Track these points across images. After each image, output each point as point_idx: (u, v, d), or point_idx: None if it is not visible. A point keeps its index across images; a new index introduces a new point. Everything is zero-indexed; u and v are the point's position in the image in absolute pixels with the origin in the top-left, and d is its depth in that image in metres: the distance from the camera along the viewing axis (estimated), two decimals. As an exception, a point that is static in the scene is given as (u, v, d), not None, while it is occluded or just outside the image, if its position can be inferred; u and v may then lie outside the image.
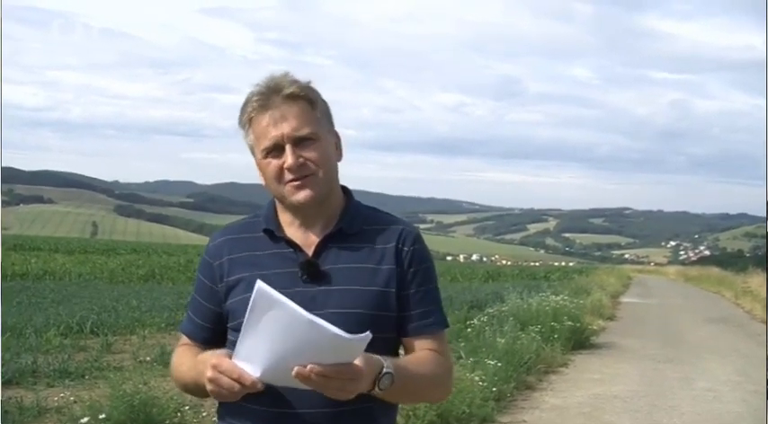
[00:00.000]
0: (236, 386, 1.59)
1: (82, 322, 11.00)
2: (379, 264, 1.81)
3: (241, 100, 1.85)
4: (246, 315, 1.55)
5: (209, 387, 1.63)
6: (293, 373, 1.53)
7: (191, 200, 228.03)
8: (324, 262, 1.79)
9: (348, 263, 1.81)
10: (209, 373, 1.61)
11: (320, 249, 1.82)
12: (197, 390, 1.82)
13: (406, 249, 1.84)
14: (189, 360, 1.83)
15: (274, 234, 1.84)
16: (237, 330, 1.75)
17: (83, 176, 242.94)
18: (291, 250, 1.82)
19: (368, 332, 1.54)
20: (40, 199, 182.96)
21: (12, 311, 11.99)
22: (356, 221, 1.86)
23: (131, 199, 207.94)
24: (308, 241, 1.83)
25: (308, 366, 1.52)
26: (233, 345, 1.76)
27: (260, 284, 1.52)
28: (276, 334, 1.54)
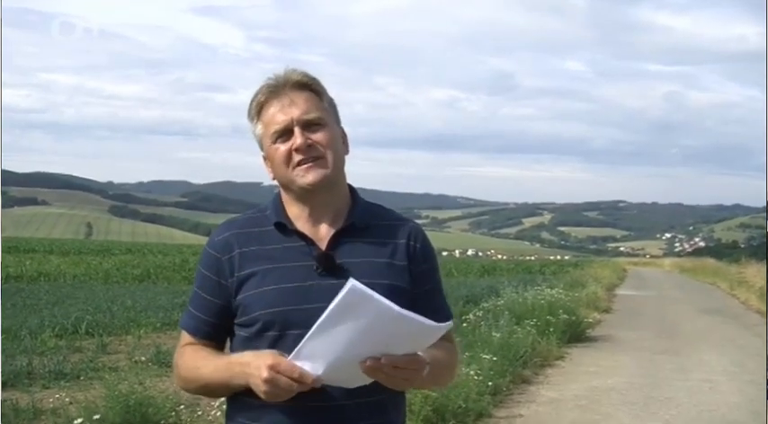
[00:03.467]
0: (295, 386, 1.60)
1: (77, 323, 10.99)
2: (391, 259, 1.85)
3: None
4: (327, 313, 1.54)
5: (263, 388, 1.61)
6: (366, 365, 1.57)
7: (185, 200, 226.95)
8: (338, 256, 1.81)
9: (362, 257, 1.83)
10: (266, 374, 1.60)
11: (333, 242, 1.83)
12: (219, 391, 1.81)
13: (418, 246, 1.90)
14: (212, 361, 1.78)
15: (286, 227, 1.83)
16: (248, 326, 1.78)
17: (76, 177, 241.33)
18: (304, 243, 1.82)
19: (450, 321, 1.67)
20: (34, 201, 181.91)
21: (7, 313, 11.96)
22: (365, 216, 1.88)
23: (125, 200, 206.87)
24: (318, 234, 1.84)
25: (382, 359, 1.57)
26: (244, 342, 1.78)
27: (354, 282, 1.52)
28: (358, 330, 1.54)
